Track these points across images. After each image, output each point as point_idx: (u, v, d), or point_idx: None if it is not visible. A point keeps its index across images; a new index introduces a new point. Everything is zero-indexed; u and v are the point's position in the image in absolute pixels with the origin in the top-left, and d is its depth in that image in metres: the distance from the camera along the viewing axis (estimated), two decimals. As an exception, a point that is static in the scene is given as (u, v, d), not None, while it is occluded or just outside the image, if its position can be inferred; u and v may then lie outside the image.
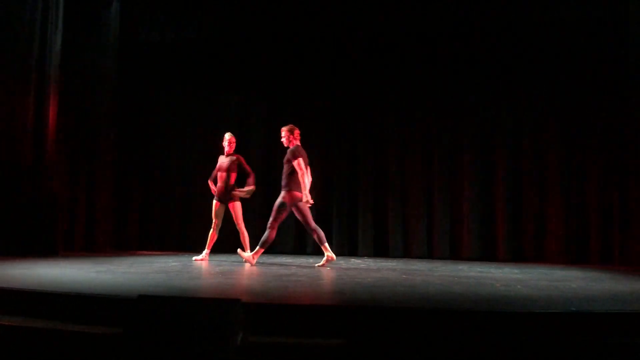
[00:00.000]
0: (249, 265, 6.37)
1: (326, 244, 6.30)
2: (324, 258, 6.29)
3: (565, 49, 8.00)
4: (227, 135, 7.02)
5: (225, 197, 6.85)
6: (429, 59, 8.56)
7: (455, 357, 3.05)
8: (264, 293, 3.96)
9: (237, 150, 7.06)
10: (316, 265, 6.35)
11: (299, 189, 6.25)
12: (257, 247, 6.40)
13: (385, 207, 8.64)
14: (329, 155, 8.92)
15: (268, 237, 6.31)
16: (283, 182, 6.33)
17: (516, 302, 3.67)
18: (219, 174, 6.91)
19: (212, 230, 6.92)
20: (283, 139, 6.53)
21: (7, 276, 4.70)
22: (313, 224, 6.33)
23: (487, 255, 8.13)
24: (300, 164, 6.24)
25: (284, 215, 6.35)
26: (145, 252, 8.43)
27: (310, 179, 6.49)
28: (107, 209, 8.52)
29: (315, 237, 6.36)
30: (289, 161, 6.30)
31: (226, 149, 6.98)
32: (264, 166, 8.92)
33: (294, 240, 8.89)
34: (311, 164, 8.92)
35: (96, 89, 8.47)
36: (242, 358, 2.77)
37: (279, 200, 6.31)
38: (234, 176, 6.88)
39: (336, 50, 8.83)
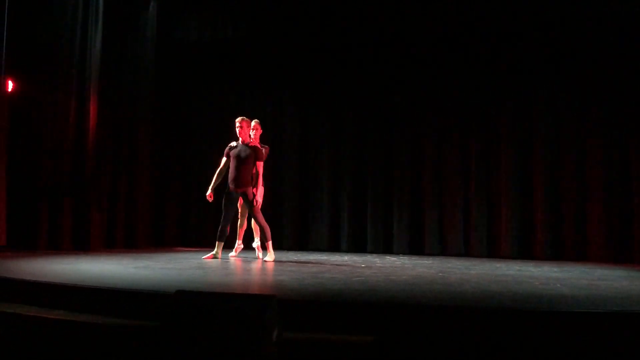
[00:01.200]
0: (271, 260, 6.43)
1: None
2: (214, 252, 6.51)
3: (610, 43, 7.73)
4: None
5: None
6: (463, 52, 8.44)
7: (492, 357, 3.00)
8: (299, 290, 3.98)
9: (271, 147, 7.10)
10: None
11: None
12: (268, 244, 6.46)
13: (421, 204, 8.56)
14: (363, 152, 8.90)
15: (268, 230, 6.41)
16: (246, 180, 6.33)
17: (556, 301, 3.59)
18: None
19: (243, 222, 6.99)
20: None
21: (50, 271, 4.85)
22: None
23: (526, 253, 7.97)
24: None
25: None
26: (184, 249, 8.56)
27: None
28: (146, 206, 8.70)
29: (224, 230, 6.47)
30: (259, 159, 6.36)
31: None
32: (298, 163, 8.97)
33: (328, 237, 8.90)
34: (346, 159, 8.98)
35: (135, 87, 8.66)
36: (278, 354, 2.78)
37: (250, 199, 6.32)
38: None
39: (370, 46, 8.78)
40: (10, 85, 7.11)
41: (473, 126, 8.47)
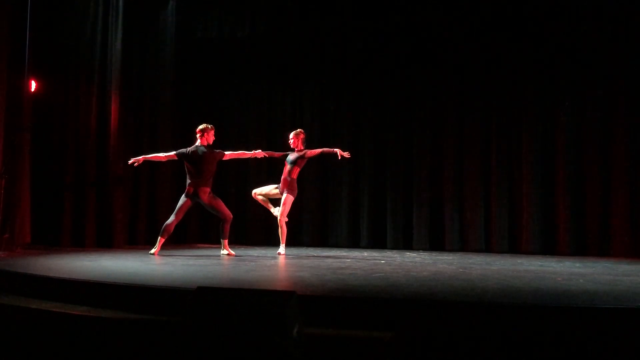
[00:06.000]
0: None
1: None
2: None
3: (636, 35, 7.58)
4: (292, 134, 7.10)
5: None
6: (484, 45, 8.33)
7: (515, 353, 2.98)
8: (319, 285, 3.99)
9: (286, 143, 7.14)
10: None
11: None
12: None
13: (441, 199, 8.49)
14: (383, 147, 8.86)
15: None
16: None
17: (579, 297, 3.55)
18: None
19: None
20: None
21: (74, 268, 4.93)
22: None
23: (548, 248, 7.86)
24: None
25: None
26: (204, 245, 8.62)
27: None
28: (167, 203, 8.76)
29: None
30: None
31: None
32: (317, 158, 8.96)
33: (348, 234, 8.89)
34: (366, 155, 8.96)
35: (155, 85, 8.75)
36: (298, 350, 2.79)
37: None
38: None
39: (390, 39, 8.73)
40: (33, 86, 7.23)
41: (494, 121, 8.37)
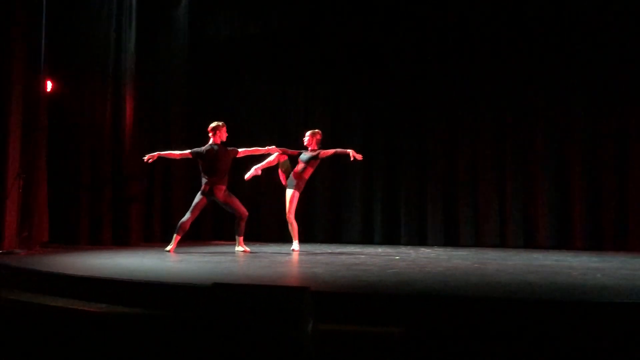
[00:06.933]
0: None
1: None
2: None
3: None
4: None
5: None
6: (498, 42, 8.30)
7: (530, 349, 2.96)
8: (333, 281, 3.99)
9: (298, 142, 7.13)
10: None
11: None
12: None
13: (456, 194, 8.47)
14: (396, 142, 8.84)
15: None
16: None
17: (595, 292, 3.52)
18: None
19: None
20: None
21: (92, 265, 4.98)
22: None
23: (564, 243, 7.82)
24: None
25: None
26: (219, 242, 8.67)
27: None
28: (182, 201, 8.83)
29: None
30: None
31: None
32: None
33: (362, 230, 8.89)
34: (379, 150, 8.94)
35: (168, 84, 8.81)
36: (312, 345, 2.80)
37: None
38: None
39: (402, 35, 8.71)
40: (49, 86, 7.30)
41: (508, 115, 8.32)
